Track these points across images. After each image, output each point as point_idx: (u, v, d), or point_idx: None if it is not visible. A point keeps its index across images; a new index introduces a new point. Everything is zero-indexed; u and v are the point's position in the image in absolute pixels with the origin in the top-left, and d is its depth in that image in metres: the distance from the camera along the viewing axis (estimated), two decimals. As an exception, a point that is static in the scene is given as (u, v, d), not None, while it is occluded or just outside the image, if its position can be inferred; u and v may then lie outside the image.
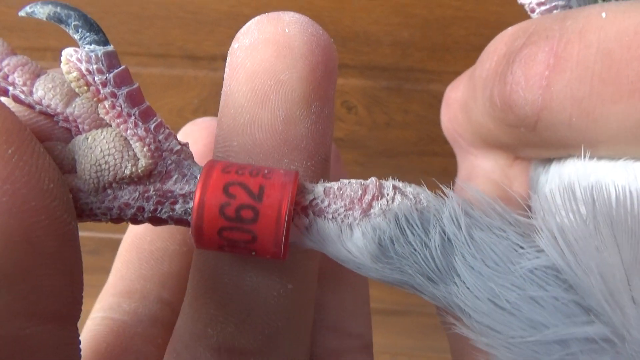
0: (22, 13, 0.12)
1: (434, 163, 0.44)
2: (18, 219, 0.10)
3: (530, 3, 0.16)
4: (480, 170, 0.18)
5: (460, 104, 0.18)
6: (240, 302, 0.15)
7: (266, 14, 0.16)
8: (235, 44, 0.16)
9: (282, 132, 0.15)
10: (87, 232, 0.55)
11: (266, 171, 0.13)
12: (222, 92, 0.16)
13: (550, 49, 0.13)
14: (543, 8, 0.16)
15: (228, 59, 0.16)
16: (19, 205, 0.10)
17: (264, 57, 0.15)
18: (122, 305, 0.20)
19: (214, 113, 0.51)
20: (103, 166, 0.12)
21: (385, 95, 0.41)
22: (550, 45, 0.13)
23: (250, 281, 0.15)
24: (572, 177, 0.14)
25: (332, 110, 0.16)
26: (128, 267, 0.21)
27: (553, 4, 0.15)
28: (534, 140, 0.15)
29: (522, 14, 0.35)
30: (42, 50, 0.39)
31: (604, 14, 0.13)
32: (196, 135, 0.22)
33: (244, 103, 0.15)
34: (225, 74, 0.16)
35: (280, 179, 0.12)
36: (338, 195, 0.13)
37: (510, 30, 0.15)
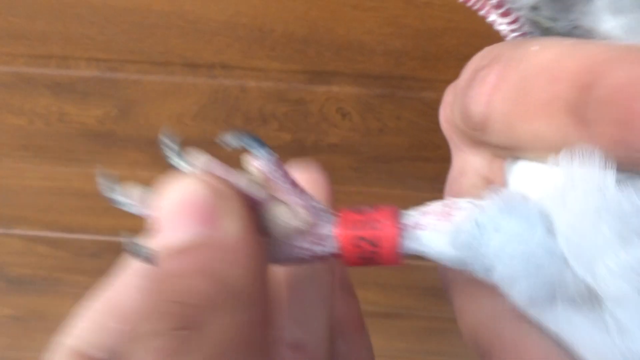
0: (219, 141, 0.18)
1: (426, 168, 0.45)
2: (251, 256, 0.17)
3: (504, 30, 0.19)
4: (470, 166, 0.21)
5: (450, 107, 0.21)
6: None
7: None
8: None
9: None
10: (89, 236, 0.55)
11: (377, 225, 0.18)
12: None
13: (498, 71, 0.16)
14: (514, 35, 0.18)
15: None
16: (250, 248, 0.17)
17: None
18: None
19: (213, 119, 0.52)
20: (286, 225, 0.19)
21: (379, 103, 0.42)
22: (499, 68, 0.16)
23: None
24: (520, 175, 0.18)
25: None
26: None
27: (522, 31, 0.18)
28: (488, 143, 0.18)
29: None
30: (46, 57, 0.40)
31: (537, 47, 0.16)
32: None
33: None
34: None
35: (388, 230, 0.18)
36: (428, 212, 0.19)
37: (484, 50, 0.18)
